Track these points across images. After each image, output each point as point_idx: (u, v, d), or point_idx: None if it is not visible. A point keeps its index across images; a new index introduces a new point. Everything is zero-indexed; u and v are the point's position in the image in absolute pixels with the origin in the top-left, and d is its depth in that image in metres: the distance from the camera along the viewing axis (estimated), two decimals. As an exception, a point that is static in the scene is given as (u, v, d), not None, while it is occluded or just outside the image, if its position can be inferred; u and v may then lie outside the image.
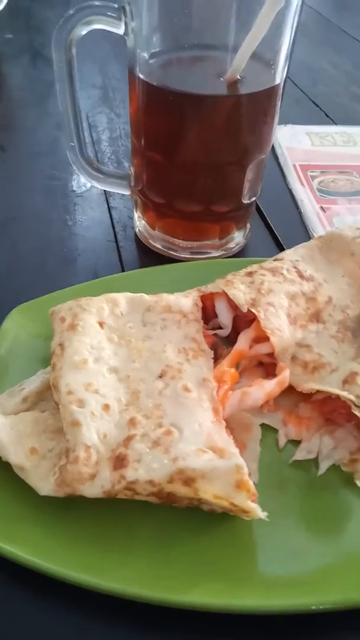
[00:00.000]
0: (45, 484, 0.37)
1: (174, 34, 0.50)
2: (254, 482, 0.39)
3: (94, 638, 0.33)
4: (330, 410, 0.42)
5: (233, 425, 0.42)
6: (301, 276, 0.48)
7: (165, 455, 0.35)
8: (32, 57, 1.01)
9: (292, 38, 0.49)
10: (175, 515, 0.37)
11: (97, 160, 0.74)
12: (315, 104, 0.92)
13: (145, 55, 0.50)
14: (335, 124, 0.87)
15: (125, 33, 0.50)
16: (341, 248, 0.50)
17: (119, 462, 0.35)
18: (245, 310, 0.44)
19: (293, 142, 0.80)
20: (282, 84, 0.51)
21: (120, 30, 0.50)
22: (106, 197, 0.68)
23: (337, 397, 0.40)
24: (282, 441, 0.42)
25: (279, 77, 0.50)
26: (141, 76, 0.50)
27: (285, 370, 0.43)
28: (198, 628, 0.34)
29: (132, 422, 0.37)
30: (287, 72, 0.52)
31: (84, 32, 0.49)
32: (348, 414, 0.40)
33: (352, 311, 0.47)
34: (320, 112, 0.90)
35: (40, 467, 0.38)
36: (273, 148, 0.79)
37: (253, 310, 0.44)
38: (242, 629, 0.34)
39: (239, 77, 0.49)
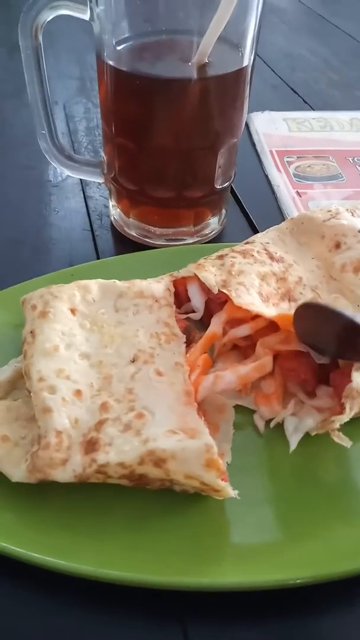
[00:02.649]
0: (17, 471, 0.37)
1: (140, 19, 0.50)
2: (227, 463, 0.39)
3: (69, 622, 0.34)
4: (291, 368, 0.43)
5: (207, 408, 0.42)
6: (271, 257, 0.48)
7: (136, 437, 0.35)
8: (10, 50, 1.01)
9: (258, 20, 0.49)
10: (148, 497, 0.37)
11: (74, 150, 0.74)
12: (293, 90, 0.92)
13: (113, 41, 0.50)
14: (313, 109, 0.86)
15: (91, 19, 0.49)
16: (312, 230, 0.50)
17: (90, 446, 0.35)
18: (215, 291, 0.45)
19: (270, 128, 0.80)
20: (250, 66, 0.51)
21: (86, 15, 0.49)
22: (82, 187, 0.68)
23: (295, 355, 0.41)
24: (260, 425, 0.42)
25: (247, 59, 0.50)
26: (109, 62, 0.50)
27: (267, 356, 0.43)
28: (172, 608, 0.34)
29: (103, 406, 0.38)
30: (256, 55, 0.51)
31: (49, 18, 0.49)
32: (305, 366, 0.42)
33: (321, 292, 0.47)
34: (298, 98, 0.90)
35: (12, 454, 0.38)
36: (250, 134, 0.79)
37: (224, 290, 0.44)
38: (218, 607, 0.34)
39: (207, 61, 0.49)
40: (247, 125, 0.80)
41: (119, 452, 0.35)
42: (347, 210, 0.51)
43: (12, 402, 0.41)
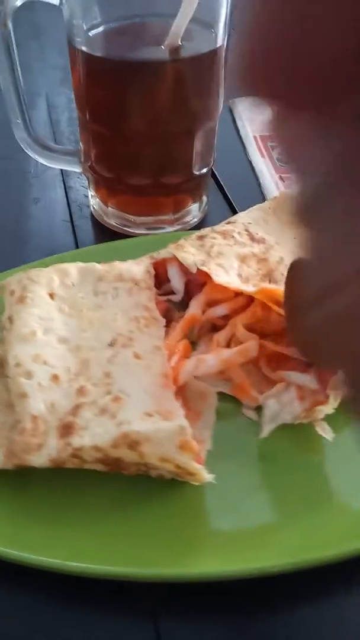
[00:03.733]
0: None
1: (111, 3, 0.49)
2: (207, 450, 0.38)
3: (40, 617, 0.33)
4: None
5: (189, 395, 0.41)
6: (252, 239, 0.47)
7: (112, 420, 0.35)
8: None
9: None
10: (123, 485, 0.37)
11: (55, 140, 0.73)
12: (279, 75, 0.91)
13: (84, 26, 0.49)
14: (299, 94, 0.85)
15: (61, 3, 0.48)
16: None
17: (66, 430, 0.35)
18: (194, 270, 0.44)
19: (254, 113, 0.78)
20: (224, 47, 0.50)
21: (55, 0, 0.48)
22: (63, 178, 0.67)
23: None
24: (250, 415, 0.41)
25: (221, 40, 0.49)
26: (81, 48, 0.49)
27: (252, 340, 0.42)
28: (144, 602, 0.33)
29: (80, 390, 0.37)
30: (230, 35, 0.50)
31: (18, 4, 0.48)
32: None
33: (304, 272, 0.47)
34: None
35: None
36: (234, 120, 0.77)
37: (203, 268, 0.43)
38: (190, 600, 0.33)
39: (179, 43, 0.48)
40: (230, 110, 0.79)
41: (94, 435, 0.34)
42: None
43: None
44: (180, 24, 0.47)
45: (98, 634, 0.32)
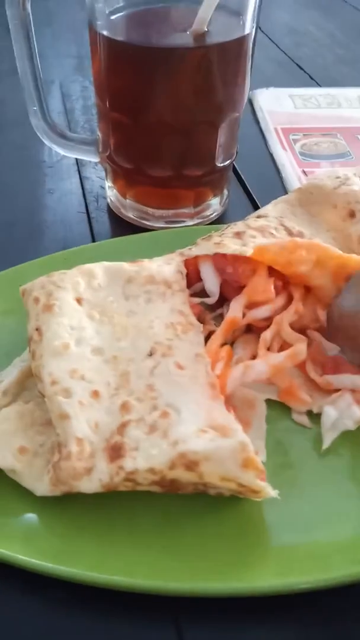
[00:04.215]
0: (40, 485, 0.34)
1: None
2: (261, 461, 0.36)
3: (60, 622, 0.32)
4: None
5: (236, 403, 0.39)
6: (291, 234, 0.44)
7: (164, 439, 0.32)
8: (5, 29, 0.98)
9: (260, -16, 0.46)
10: (180, 502, 0.35)
11: (70, 129, 0.71)
12: (299, 66, 0.89)
13: (106, 10, 0.47)
14: (320, 86, 0.83)
15: (83, -15, 0.46)
16: (322, 200, 0.47)
17: (115, 452, 0.33)
18: (248, 254, 0.40)
19: (275, 105, 0.76)
20: (252, 35, 0.48)
21: (77, -18, 0.46)
22: (78, 168, 0.65)
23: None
24: (303, 421, 0.39)
25: (249, 27, 0.47)
26: (102, 32, 0.47)
27: (300, 343, 0.40)
28: (166, 608, 0.32)
29: (124, 406, 0.35)
30: (258, 27, 0.48)
31: (38, -14, 0.46)
32: None
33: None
34: (304, 74, 0.87)
35: (33, 466, 0.35)
36: (254, 112, 0.75)
37: (259, 250, 0.40)
38: (213, 606, 0.32)
39: (205, 29, 0.46)
40: (250, 102, 0.77)
41: (148, 456, 0.32)
42: (355, 175, 0.48)
43: (24, 406, 0.38)
44: (207, 9, 0.44)
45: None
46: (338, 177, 0.47)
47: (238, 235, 0.43)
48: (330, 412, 0.38)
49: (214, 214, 0.58)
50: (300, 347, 0.39)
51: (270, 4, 1.11)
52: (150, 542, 0.33)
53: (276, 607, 0.32)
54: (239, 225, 0.44)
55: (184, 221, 0.56)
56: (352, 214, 0.45)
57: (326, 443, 0.37)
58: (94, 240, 0.56)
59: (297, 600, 0.32)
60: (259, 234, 0.43)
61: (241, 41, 0.47)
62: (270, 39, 0.96)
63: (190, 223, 0.56)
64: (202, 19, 0.45)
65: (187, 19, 0.46)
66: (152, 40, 0.47)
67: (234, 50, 0.47)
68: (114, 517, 0.34)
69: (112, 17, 0.47)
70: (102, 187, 0.62)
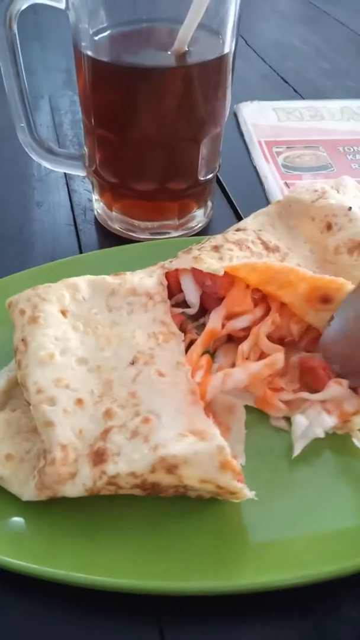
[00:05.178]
0: (26, 490, 0.35)
1: (118, 7, 0.49)
2: (240, 465, 0.38)
3: (47, 623, 0.33)
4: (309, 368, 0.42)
5: (216, 409, 0.41)
6: (267, 247, 0.46)
7: (145, 444, 0.34)
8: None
9: (238, 5, 0.47)
10: (162, 504, 0.36)
11: (59, 143, 0.73)
12: (283, 79, 0.91)
13: (90, 30, 0.48)
14: (304, 99, 0.85)
15: (67, 7, 0.48)
16: (300, 213, 0.48)
17: (99, 457, 0.34)
18: (221, 273, 0.42)
19: (259, 118, 0.78)
20: (232, 54, 0.50)
21: (61, 4, 0.48)
22: (66, 181, 0.66)
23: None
24: (280, 424, 0.41)
25: (228, 46, 0.49)
26: (86, 52, 0.48)
27: (278, 352, 0.41)
28: (149, 608, 0.33)
29: (107, 413, 0.36)
30: (237, 42, 0.50)
31: (23, 7, 0.48)
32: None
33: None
34: (288, 87, 0.89)
35: (19, 471, 0.36)
36: (238, 124, 0.77)
37: (230, 269, 0.42)
38: (239, 609, 0.33)
39: (187, 49, 0.47)
40: (235, 115, 0.79)
41: (129, 461, 0.34)
42: (332, 188, 0.49)
43: (10, 414, 0.39)
44: (187, 29, 0.46)
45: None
46: (316, 191, 0.49)
47: (216, 249, 0.44)
48: (300, 421, 0.39)
49: (198, 225, 0.59)
50: (277, 357, 0.41)
51: (257, 18, 1.13)
52: (134, 543, 0.34)
53: (258, 607, 0.33)
54: (217, 239, 0.46)
55: (168, 232, 0.58)
56: (329, 226, 0.47)
57: (296, 451, 0.38)
58: (81, 252, 0.57)
59: (277, 599, 0.33)
60: (237, 247, 0.44)
61: (221, 59, 0.49)
62: (255, 52, 0.98)
63: (175, 234, 0.58)
64: (183, 38, 0.47)
65: (169, 39, 0.47)
66: (135, 60, 0.48)
67: (215, 68, 0.49)
68: (99, 519, 0.35)
69: (96, 38, 0.49)
70: (90, 200, 0.63)
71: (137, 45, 0.50)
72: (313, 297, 0.41)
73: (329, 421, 0.39)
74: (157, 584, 0.33)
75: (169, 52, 0.48)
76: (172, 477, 0.33)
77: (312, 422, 0.39)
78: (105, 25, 0.49)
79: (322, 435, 0.38)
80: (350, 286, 0.41)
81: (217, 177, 0.65)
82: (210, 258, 0.43)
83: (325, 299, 0.41)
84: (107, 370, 0.39)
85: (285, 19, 1.13)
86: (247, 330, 0.43)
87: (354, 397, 0.39)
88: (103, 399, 0.37)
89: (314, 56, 0.98)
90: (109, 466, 0.34)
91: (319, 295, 0.41)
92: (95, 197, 0.59)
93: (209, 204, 0.60)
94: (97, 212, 0.60)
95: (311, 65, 0.95)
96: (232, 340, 0.45)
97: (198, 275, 0.43)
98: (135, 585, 0.33)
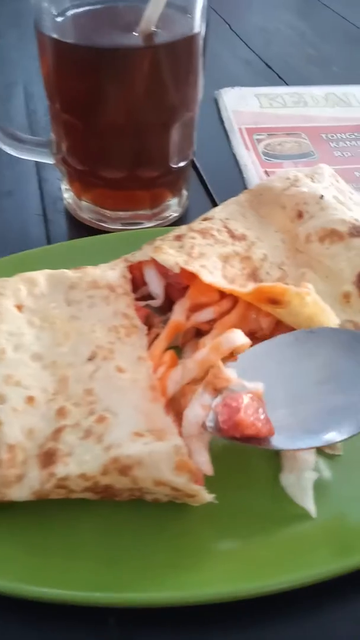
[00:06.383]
0: None
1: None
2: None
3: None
4: None
5: (181, 407, 0.38)
6: (233, 236, 0.45)
7: (98, 444, 0.32)
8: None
9: (206, -18, 0.45)
10: (117, 510, 0.34)
11: (32, 130, 0.71)
12: (267, 65, 0.88)
13: (53, 11, 0.46)
14: (288, 85, 0.83)
15: (28, -15, 0.46)
16: (271, 201, 0.46)
17: (48, 458, 0.32)
18: (177, 270, 0.40)
19: (240, 104, 0.76)
20: (202, 34, 0.47)
21: (22, -19, 0.46)
22: (37, 170, 0.64)
23: None
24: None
25: (198, 26, 0.46)
26: (49, 34, 0.46)
27: (224, 334, 0.38)
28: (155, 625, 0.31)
29: (61, 412, 0.34)
30: (209, 21, 0.48)
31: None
32: None
33: (288, 267, 0.44)
34: (272, 73, 0.86)
35: None
36: (219, 111, 0.75)
37: (188, 267, 0.40)
38: (207, 618, 0.31)
39: (154, 29, 0.45)
40: (216, 101, 0.77)
41: (80, 462, 0.32)
42: (307, 176, 0.47)
43: None
44: (154, 7, 0.44)
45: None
46: (288, 179, 0.47)
47: (178, 238, 0.42)
48: (289, 480, 0.35)
49: (173, 215, 0.57)
50: (224, 337, 0.37)
51: (241, 3, 1.11)
52: (88, 551, 0.32)
53: (226, 615, 0.31)
54: (181, 228, 0.44)
55: (142, 223, 0.56)
56: (300, 215, 0.45)
57: (311, 510, 0.34)
58: (49, 243, 0.55)
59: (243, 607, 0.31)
60: (200, 235, 0.43)
61: (191, 40, 0.47)
62: (240, 37, 0.95)
63: (149, 225, 0.56)
64: (150, 18, 0.45)
65: (135, 18, 0.45)
66: (100, 41, 0.46)
67: (184, 49, 0.47)
68: (50, 525, 0.33)
69: (59, 19, 0.46)
70: (61, 189, 0.61)
71: (101, 26, 0.47)
72: (262, 300, 0.39)
73: (310, 458, 0.36)
74: (113, 597, 0.31)
75: (136, 33, 0.45)
76: (125, 480, 0.31)
77: (298, 474, 0.35)
78: (68, 5, 0.47)
79: (315, 477, 0.35)
80: (293, 289, 0.38)
81: (194, 165, 0.64)
82: (170, 248, 0.41)
83: (274, 302, 0.38)
84: (64, 367, 0.37)
85: (270, 5, 1.10)
86: (213, 323, 0.41)
87: None
88: (57, 397, 0.35)
89: (300, 42, 0.96)
90: (59, 467, 0.32)
91: (265, 298, 0.39)
92: (64, 185, 0.57)
93: (184, 193, 0.58)
94: (67, 201, 0.58)
95: (296, 52, 0.93)
96: (202, 334, 0.43)
97: (161, 266, 0.41)
98: (89, 598, 0.30)
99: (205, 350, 0.38)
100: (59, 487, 0.32)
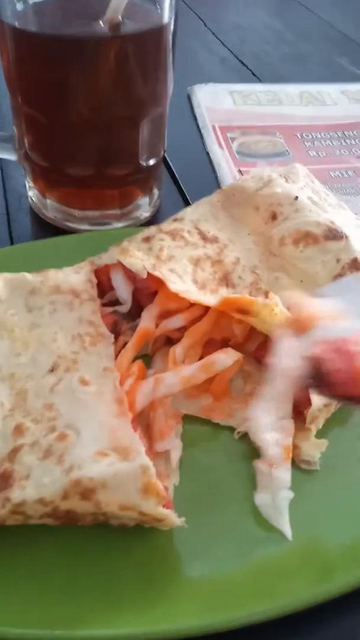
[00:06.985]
0: None
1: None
2: (173, 485, 0.34)
3: None
4: None
5: (154, 419, 0.36)
6: (204, 238, 0.43)
7: (59, 465, 0.30)
8: None
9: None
10: (80, 535, 0.31)
11: (-3, 126, 0.68)
12: (242, 63, 0.86)
13: (14, -2, 0.43)
14: (262, 83, 0.81)
15: (-14, -30, 0.43)
16: (244, 202, 0.44)
17: (4, 481, 0.30)
18: (144, 275, 0.39)
19: (214, 101, 0.74)
20: (171, 26, 0.45)
21: (-21, -34, 0.43)
22: (1, 165, 0.61)
23: None
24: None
25: (167, 17, 0.44)
26: (9, 22, 0.43)
27: (216, 353, 0.37)
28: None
29: (18, 429, 0.32)
30: (178, 13, 0.45)
31: None
32: None
33: (261, 271, 0.42)
34: (247, 71, 0.84)
35: None
36: (192, 108, 0.73)
37: (156, 273, 0.38)
38: None
39: (120, 19, 0.43)
40: (189, 98, 0.74)
41: (38, 485, 0.29)
42: (281, 176, 0.45)
43: None
44: (120, -4, 0.42)
45: None
46: (262, 179, 0.45)
47: (147, 239, 0.40)
48: (263, 500, 0.33)
49: (144, 215, 0.55)
50: (213, 357, 0.36)
51: (216, 1, 1.09)
52: (48, 583, 0.30)
53: None
54: (150, 229, 0.42)
55: (110, 223, 0.53)
56: (274, 216, 0.43)
57: (287, 532, 0.32)
58: (13, 243, 0.52)
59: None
60: (170, 237, 0.40)
61: (159, 31, 0.45)
62: (214, 35, 0.93)
63: (118, 225, 0.53)
64: (116, 6, 0.42)
65: (101, 7, 0.43)
66: (63, 30, 0.44)
67: (152, 40, 0.45)
68: (5, 555, 0.31)
69: (20, 7, 0.44)
70: (25, 187, 0.58)
71: (65, 15, 0.45)
72: (231, 310, 0.37)
73: (285, 476, 0.34)
74: (75, 634, 0.28)
75: (101, 22, 0.43)
76: (88, 504, 0.29)
77: (273, 494, 0.33)
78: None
79: (291, 495, 0.33)
80: (260, 301, 0.36)
81: (167, 163, 0.61)
82: (138, 250, 0.38)
83: (243, 311, 0.36)
84: (22, 379, 0.34)
85: (246, 2, 1.09)
86: (183, 329, 0.39)
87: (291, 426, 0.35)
88: (14, 413, 0.33)
89: (275, 40, 0.94)
90: (15, 492, 0.29)
91: (234, 308, 0.37)
92: (28, 183, 0.54)
93: (155, 192, 0.55)
94: (32, 199, 0.55)
95: (271, 49, 0.91)
96: (172, 342, 0.41)
97: (129, 270, 0.39)
98: (49, 636, 0.28)
99: (193, 367, 0.36)
100: (15, 513, 0.29)
